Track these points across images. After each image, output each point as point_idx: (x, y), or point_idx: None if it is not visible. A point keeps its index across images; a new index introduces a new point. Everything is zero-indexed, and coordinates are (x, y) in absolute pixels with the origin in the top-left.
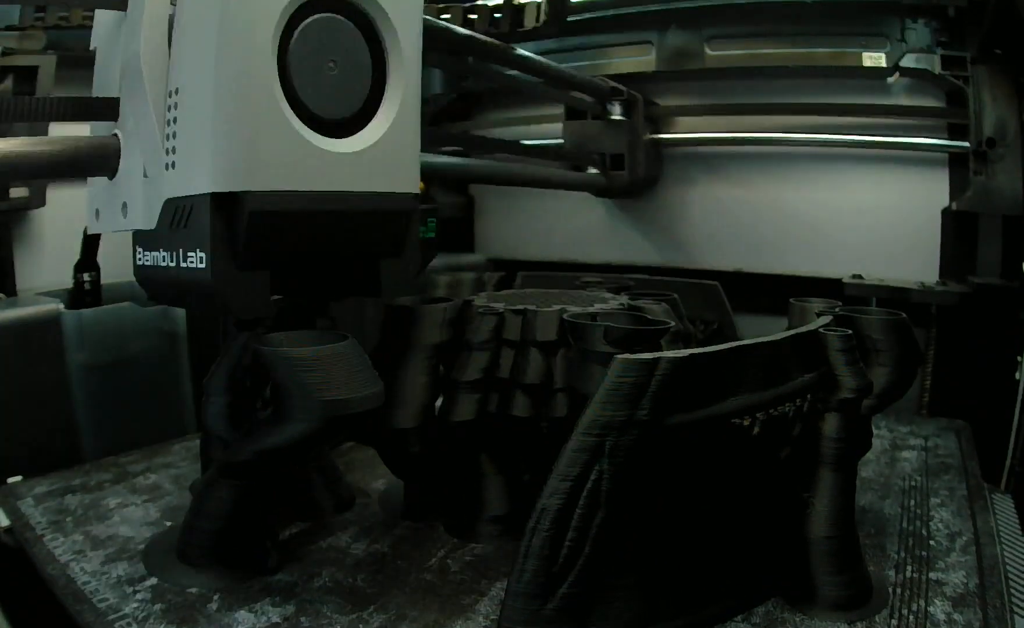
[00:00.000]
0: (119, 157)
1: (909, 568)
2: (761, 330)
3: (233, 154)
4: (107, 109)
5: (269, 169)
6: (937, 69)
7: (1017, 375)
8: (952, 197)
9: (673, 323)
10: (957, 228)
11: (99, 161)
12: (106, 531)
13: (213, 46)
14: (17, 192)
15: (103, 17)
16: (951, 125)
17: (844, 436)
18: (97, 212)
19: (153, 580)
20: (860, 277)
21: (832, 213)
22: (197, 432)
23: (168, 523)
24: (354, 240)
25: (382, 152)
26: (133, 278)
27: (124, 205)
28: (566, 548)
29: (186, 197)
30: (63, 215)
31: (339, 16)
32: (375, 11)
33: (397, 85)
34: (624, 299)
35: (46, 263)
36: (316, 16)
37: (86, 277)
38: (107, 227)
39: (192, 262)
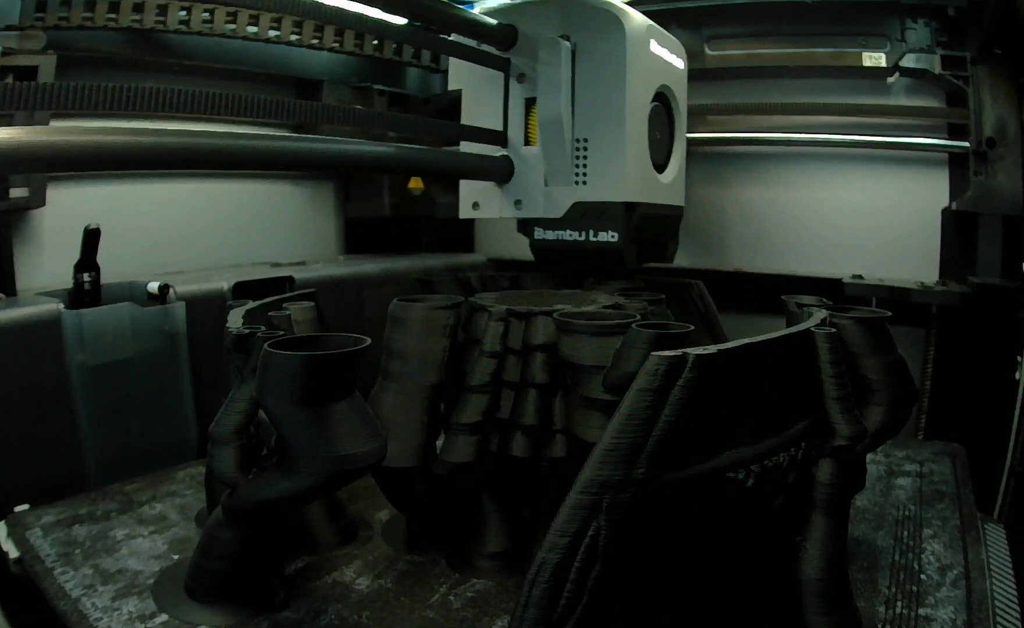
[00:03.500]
0: (512, 171)
1: (899, 603)
2: (761, 330)
3: (632, 181)
4: (497, 138)
5: (643, 190)
6: (937, 69)
7: (1017, 375)
8: (952, 197)
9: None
10: (957, 228)
11: (497, 171)
12: (115, 564)
13: (620, 123)
14: (17, 192)
15: (461, 65)
16: (951, 125)
17: (837, 482)
18: (475, 204)
19: (164, 617)
20: (860, 277)
21: (832, 213)
22: (197, 435)
23: (175, 556)
24: (665, 228)
25: (674, 181)
26: (133, 278)
27: (518, 201)
28: (564, 598)
29: (598, 202)
30: (63, 215)
31: (660, 104)
32: (672, 99)
33: (679, 141)
34: (618, 299)
35: (46, 263)
36: (654, 104)
37: (86, 277)
38: (488, 214)
39: (603, 237)
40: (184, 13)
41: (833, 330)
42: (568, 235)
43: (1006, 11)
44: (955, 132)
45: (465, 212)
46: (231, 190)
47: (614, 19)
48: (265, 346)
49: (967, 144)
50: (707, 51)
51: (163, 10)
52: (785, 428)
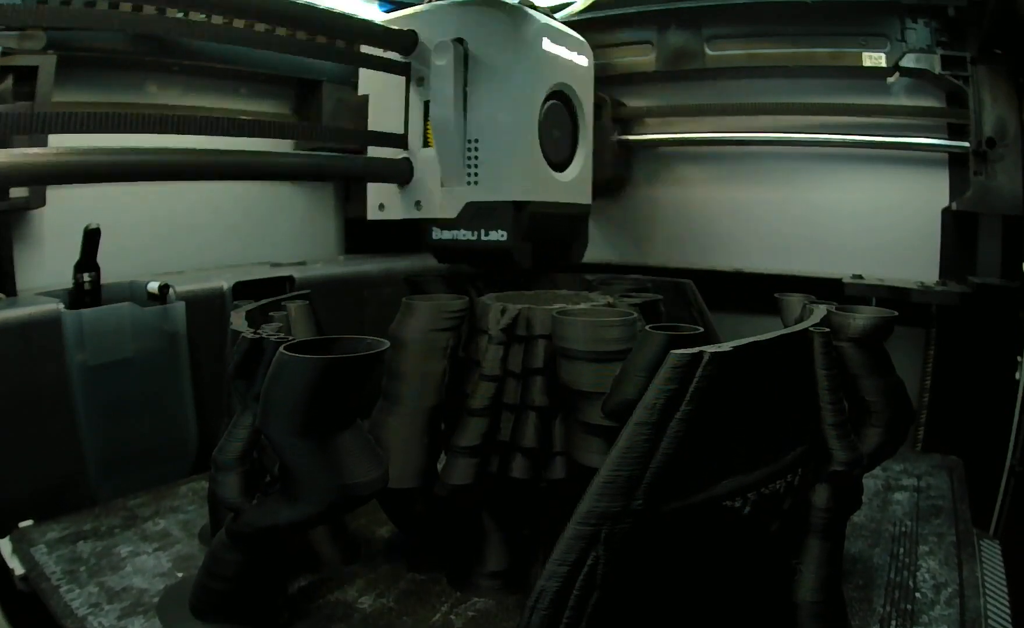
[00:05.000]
0: (412, 172)
1: (893, 622)
2: (758, 330)
3: (520, 180)
4: (398, 141)
5: (535, 189)
6: (937, 69)
7: (1017, 375)
8: (952, 197)
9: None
10: (957, 228)
11: (396, 173)
12: (120, 582)
13: (509, 121)
14: (17, 192)
15: (368, 72)
16: (951, 125)
17: (833, 506)
18: (381, 205)
19: None
20: (860, 277)
21: (832, 213)
22: (197, 435)
23: (180, 574)
24: (566, 227)
25: (577, 179)
26: (133, 278)
27: (417, 202)
28: (563, 625)
29: (489, 201)
30: (63, 215)
31: (559, 102)
32: (574, 97)
33: (584, 138)
34: (612, 299)
35: (46, 263)
36: (551, 102)
37: (86, 277)
38: (392, 215)
39: (493, 237)
40: (181, 15)
41: (829, 330)
42: (462, 235)
43: (1006, 11)
44: (955, 132)
45: (372, 213)
46: (231, 190)
47: (505, 20)
48: (281, 349)
49: (967, 144)
50: (707, 51)
51: (161, 11)
52: (782, 455)
